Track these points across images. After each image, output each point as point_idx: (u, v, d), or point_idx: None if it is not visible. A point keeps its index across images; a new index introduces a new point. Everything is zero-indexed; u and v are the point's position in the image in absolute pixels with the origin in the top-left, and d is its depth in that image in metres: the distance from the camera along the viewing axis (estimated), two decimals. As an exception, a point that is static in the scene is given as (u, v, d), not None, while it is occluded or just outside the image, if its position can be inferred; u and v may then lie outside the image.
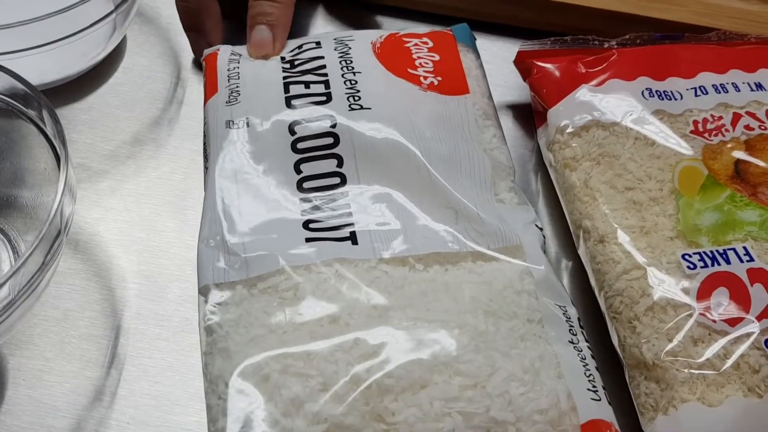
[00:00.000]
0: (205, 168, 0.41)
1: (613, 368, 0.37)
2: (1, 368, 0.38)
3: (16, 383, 0.37)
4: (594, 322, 0.39)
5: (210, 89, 0.44)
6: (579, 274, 0.41)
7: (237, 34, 0.48)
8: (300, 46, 0.46)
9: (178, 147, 0.46)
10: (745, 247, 0.37)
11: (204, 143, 0.42)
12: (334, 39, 0.46)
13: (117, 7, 0.45)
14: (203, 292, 0.36)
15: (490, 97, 0.44)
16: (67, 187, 0.35)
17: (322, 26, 0.52)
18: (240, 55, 0.46)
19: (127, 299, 0.40)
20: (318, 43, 0.45)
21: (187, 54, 0.50)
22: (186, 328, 0.39)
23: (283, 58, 0.45)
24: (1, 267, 0.40)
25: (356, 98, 0.42)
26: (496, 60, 0.50)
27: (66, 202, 0.35)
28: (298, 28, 0.52)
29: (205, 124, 0.43)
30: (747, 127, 0.42)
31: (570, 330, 0.35)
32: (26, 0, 0.45)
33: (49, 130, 0.38)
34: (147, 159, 0.46)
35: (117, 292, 0.40)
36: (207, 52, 0.46)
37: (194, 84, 0.49)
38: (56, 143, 0.38)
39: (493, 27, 0.52)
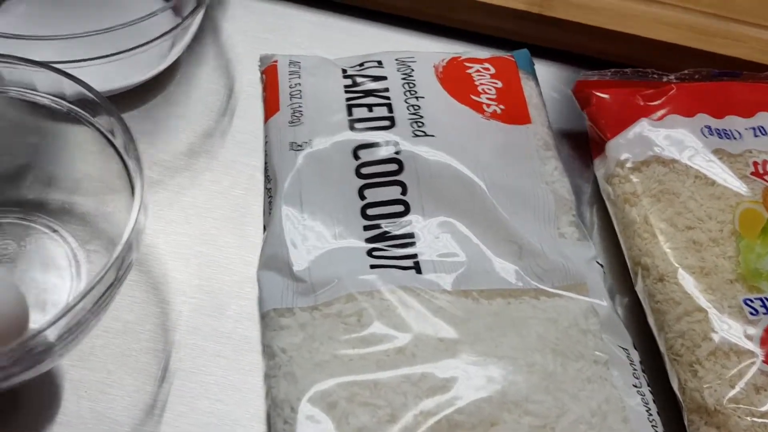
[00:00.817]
0: (267, 188, 0.42)
1: (669, 410, 0.37)
2: (60, 380, 0.38)
3: (78, 395, 0.37)
4: (648, 359, 0.39)
5: (271, 106, 0.44)
6: (635, 309, 0.41)
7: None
8: (361, 64, 0.46)
9: (234, 161, 0.46)
10: (805, 294, 0.37)
11: (265, 162, 0.43)
12: (396, 59, 0.46)
13: (183, 21, 0.45)
14: (266, 315, 0.37)
15: (550, 126, 0.45)
16: (143, 203, 0.35)
17: (363, 43, 0.52)
18: (299, 64, 0.46)
19: (186, 314, 0.40)
20: (379, 62, 0.45)
21: (242, 68, 0.50)
22: (245, 346, 0.39)
23: (344, 71, 0.45)
24: (62, 275, 0.41)
25: (420, 124, 0.42)
26: (547, 87, 0.49)
27: (140, 219, 0.35)
28: (346, 45, 0.51)
29: (266, 142, 0.43)
30: (807, 170, 0.42)
31: (633, 374, 0.36)
32: (94, 12, 0.46)
33: (118, 141, 0.39)
34: (202, 171, 0.46)
35: (176, 306, 0.40)
36: (265, 61, 0.47)
37: (250, 98, 0.49)
38: (126, 158, 0.38)
39: (542, 51, 0.51)
